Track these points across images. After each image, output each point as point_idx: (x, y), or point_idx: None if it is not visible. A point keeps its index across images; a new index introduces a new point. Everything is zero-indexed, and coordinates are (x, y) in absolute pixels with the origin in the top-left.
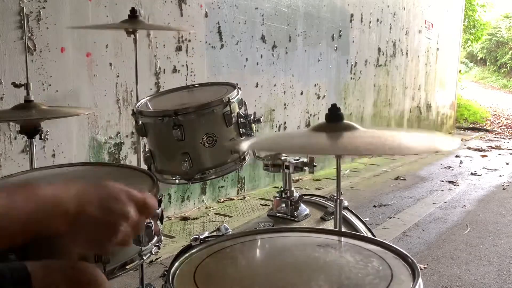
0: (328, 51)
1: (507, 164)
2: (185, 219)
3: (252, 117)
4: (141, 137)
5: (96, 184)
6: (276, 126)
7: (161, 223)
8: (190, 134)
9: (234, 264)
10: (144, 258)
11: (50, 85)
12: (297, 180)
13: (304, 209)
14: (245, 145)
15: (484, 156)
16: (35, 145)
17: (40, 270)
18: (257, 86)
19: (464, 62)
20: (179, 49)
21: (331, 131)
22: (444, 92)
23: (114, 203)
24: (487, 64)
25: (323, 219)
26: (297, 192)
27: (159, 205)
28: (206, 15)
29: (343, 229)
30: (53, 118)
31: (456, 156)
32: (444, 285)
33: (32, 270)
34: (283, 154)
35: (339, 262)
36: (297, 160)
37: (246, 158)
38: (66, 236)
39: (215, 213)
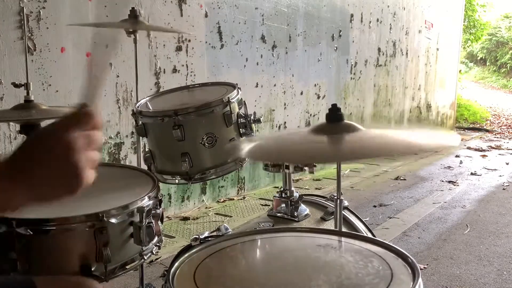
0: (328, 51)
1: (507, 164)
2: (185, 219)
3: (252, 117)
4: (141, 137)
5: (26, 140)
6: (276, 126)
7: (161, 223)
8: (190, 134)
9: (234, 264)
10: (145, 258)
11: (50, 85)
12: (297, 180)
13: (304, 209)
14: (243, 153)
15: (484, 156)
16: None
17: (46, 284)
18: (257, 86)
19: (464, 62)
20: (179, 49)
21: (332, 133)
22: (444, 92)
23: (51, 145)
24: (487, 64)
25: (323, 219)
26: (297, 192)
27: (159, 205)
28: (206, 15)
29: (343, 229)
30: (53, 118)
31: (456, 156)
32: (444, 285)
33: (38, 283)
34: None
35: (339, 262)
36: None
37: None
38: (37, 199)
39: (215, 213)
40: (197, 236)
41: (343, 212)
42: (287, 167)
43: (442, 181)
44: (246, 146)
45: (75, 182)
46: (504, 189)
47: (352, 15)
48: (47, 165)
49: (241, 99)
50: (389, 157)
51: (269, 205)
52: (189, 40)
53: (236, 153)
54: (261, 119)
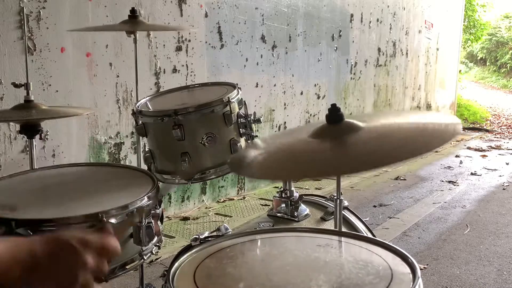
0: (328, 51)
1: (507, 164)
2: (185, 219)
3: (252, 117)
4: (141, 137)
5: (48, 237)
6: (276, 126)
7: (161, 223)
8: (190, 134)
9: (234, 264)
10: (145, 258)
11: (50, 85)
12: (297, 180)
13: (304, 209)
14: (243, 171)
15: (484, 156)
16: (35, 145)
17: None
18: (257, 86)
19: (464, 62)
20: (179, 49)
21: (333, 137)
22: (444, 92)
23: (68, 254)
24: (487, 64)
25: (323, 219)
26: (297, 192)
27: (159, 205)
28: (206, 15)
29: (343, 229)
30: (53, 118)
31: (456, 156)
32: (444, 285)
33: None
34: None
35: (339, 262)
36: None
37: None
38: None
39: (215, 213)
40: (197, 236)
41: (343, 212)
42: (290, 179)
43: (442, 181)
44: (246, 161)
45: None
46: (504, 189)
47: (352, 15)
48: (50, 267)
49: (241, 99)
50: (397, 163)
51: (269, 205)
52: (189, 40)
53: (240, 170)
54: (261, 119)
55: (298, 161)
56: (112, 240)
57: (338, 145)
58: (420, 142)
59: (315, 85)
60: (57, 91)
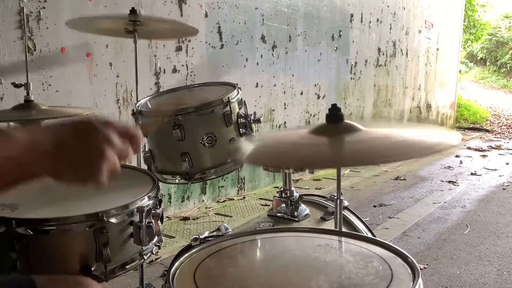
0: (328, 51)
1: (507, 164)
2: (185, 219)
3: (252, 117)
4: None
5: (72, 123)
6: (276, 126)
7: (161, 223)
8: (190, 134)
9: (234, 264)
10: (145, 257)
11: (50, 85)
12: (297, 180)
13: (304, 209)
14: (242, 157)
15: (484, 156)
16: None
17: (46, 284)
18: (257, 86)
19: (464, 62)
20: (179, 49)
21: (332, 134)
22: (444, 92)
23: (93, 132)
24: (487, 64)
25: (323, 219)
26: (297, 192)
27: (159, 205)
28: (206, 15)
29: (343, 229)
30: (53, 118)
31: (456, 156)
32: (444, 285)
33: (39, 283)
34: None
35: (339, 262)
36: None
37: None
38: (53, 174)
39: (215, 213)
40: (197, 236)
41: (343, 212)
42: (287, 167)
43: (442, 181)
44: (245, 149)
45: (92, 173)
46: (504, 189)
47: (352, 15)
48: (79, 144)
49: (241, 99)
50: (392, 162)
51: (269, 205)
52: (189, 40)
53: (236, 155)
54: (261, 119)
55: (295, 153)
56: (135, 127)
57: (337, 140)
58: (417, 149)
59: (315, 85)
60: (57, 91)
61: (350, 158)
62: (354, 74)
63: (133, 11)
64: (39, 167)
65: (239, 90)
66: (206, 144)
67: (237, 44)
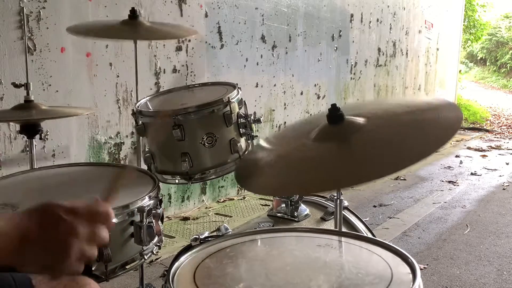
0: (328, 51)
1: (507, 164)
2: (185, 219)
3: (252, 117)
4: (141, 137)
5: (36, 208)
6: (276, 126)
7: (162, 223)
8: (190, 134)
9: (234, 264)
10: (145, 257)
11: (50, 85)
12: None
13: (304, 209)
14: (250, 186)
15: (484, 156)
16: (35, 145)
17: (43, 282)
18: (257, 86)
19: (464, 62)
20: (179, 49)
21: (337, 140)
22: (444, 92)
23: (57, 223)
24: (487, 64)
25: (323, 219)
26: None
27: (160, 205)
28: (206, 15)
29: (343, 229)
30: (53, 118)
31: (456, 156)
32: (444, 285)
33: (36, 282)
34: None
35: (339, 262)
36: None
37: None
38: (18, 265)
39: (215, 213)
40: (197, 236)
41: (343, 212)
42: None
43: (442, 181)
44: (252, 173)
45: (60, 266)
46: (504, 189)
47: (352, 15)
48: (41, 238)
49: (241, 99)
50: (403, 167)
51: (269, 205)
52: (189, 40)
53: (245, 184)
54: (261, 119)
55: (305, 175)
56: (103, 205)
57: (344, 153)
58: (424, 143)
59: (315, 85)
60: (57, 91)
61: (359, 178)
62: (354, 74)
63: (133, 11)
64: (4, 257)
65: (239, 90)
66: (206, 144)
67: (237, 44)
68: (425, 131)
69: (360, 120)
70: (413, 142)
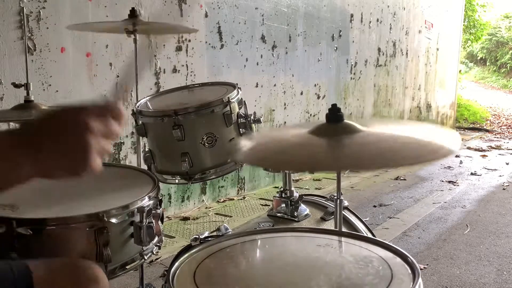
0: (328, 51)
1: (507, 164)
2: (185, 219)
3: (252, 117)
4: (141, 137)
5: (49, 114)
6: (276, 126)
7: (162, 223)
8: (190, 134)
9: (234, 264)
10: (145, 258)
11: (50, 85)
12: (297, 180)
13: (304, 209)
14: (241, 156)
15: (484, 156)
16: None
17: (42, 268)
18: (257, 86)
19: (464, 62)
20: (179, 49)
21: (332, 135)
22: (444, 92)
23: (71, 124)
24: (487, 64)
25: (323, 219)
26: (297, 192)
27: (159, 206)
28: (206, 15)
29: (343, 229)
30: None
31: (456, 156)
32: (444, 285)
33: (34, 268)
34: None
35: (339, 262)
36: None
37: None
38: (42, 174)
39: (215, 213)
40: (197, 236)
41: (343, 212)
42: (285, 169)
43: (442, 181)
44: (244, 148)
45: (81, 164)
46: (504, 189)
47: (352, 15)
48: (58, 140)
49: (241, 99)
50: (391, 167)
51: (269, 205)
52: (189, 40)
53: (235, 155)
54: (261, 119)
55: (294, 155)
56: (113, 102)
57: (336, 142)
58: (417, 154)
59: (315, 85)
60: (57, 91)
61: (348, 162)
62: (354, 74)
63: (133, 11)
64: (26, 170)
65: (239, 90)
66: (206, 144)
67: (237, 44)
68: (418, 147)
69: (359, 126)
70: (404, 152)
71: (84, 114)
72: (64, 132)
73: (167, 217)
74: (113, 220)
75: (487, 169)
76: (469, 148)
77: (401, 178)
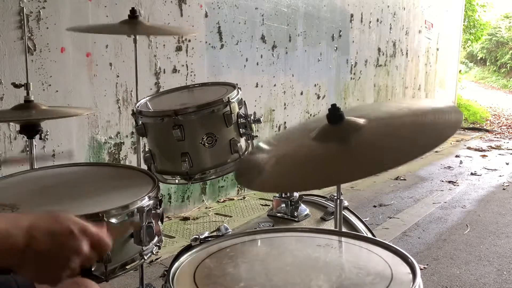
0: (328, 51)
1: (507, 164)
2: (185, 219)
3: (252, 117)
4: (141, 137)
5: (49, 216)
6: (276, 126)
7: (161, 223)
8: (190, 134)
9: (234, 264)
10: (145, 258)
11: (50, 85)
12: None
13: (304, 209)
14: (252, 184)
15: (484, 156)
16: (35, 145)
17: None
18: (257, 86)
19: (464, 62)
20: (179, 49)
21: (336, 140)
22: (444, 92)
23: (66, 237)
24: (487, 64)
25: (323, 219)
26: (297, 192)
27: (159, 206)
28: (206, 15)
29: (343, 229)
30: (53, 118)
31: (456, 156)
32: (444, 285)
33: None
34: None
35: (339, 262)
36: None
37: None
38: (15, 268)
39: (215, 213)
40: (197, 236)
41: (343, 212)
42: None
43: (442, 181)
44: (253, 173)
45: (52, 278)
46: (504, 189)
47: (352, 15)
48: (47, 248)
49: (241, 99)
50: (401, 164)
51: (269, 205)
52: (189, 40)
53: (246, 183)
54: (261, 119)
55: (305, 171)
56: (108, 238)
57: (343, 151)
58: (423, 140)
59: (315, 85)
60: (57, 91)
61: (358, 174)
62: (354, 74)
63: (133, 11)
64: (5, 259)
65: (239, 90)
66: (206, 144)
67: (237, 44)
68: (424, 131)
69: (360, 120)
70: (411, 141)
71: (84, 235)
72: (58, 243)
73: (167, 217)
74: (113, 220)
75: (487, 169)
76: (469, 148)
77: (401, 178)
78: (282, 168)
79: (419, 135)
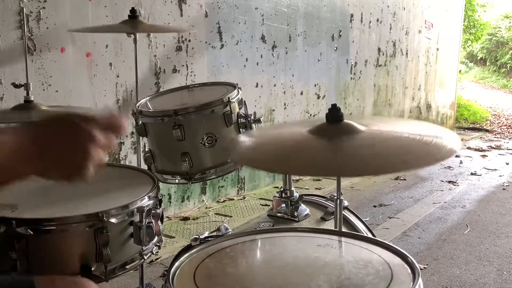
0: (328, 51)
1: (507, 164)
2: (185, 219)
3: (252, 117)
4: (141, 137)
5: (49, 120)
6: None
7: (161, 223)
8: (190, 134)
9: (234, 264)
10: (145, 257)
11: (50, 85)
12: (297, 180)
13: (304, 209)
14: (238, 156)
15: (484, 156)
16: None
17: (46, 284)
18: (257, 86)
19: (464, 62)
20: (179, 49)
21: (332, 137)
22: (444, 92)
23: (75, 131)
24: (487, 64)
25: (323, 219)
26: (297, 192)
27: (159, 205)
28: (206, 15)
29: (343, 229)
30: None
31: (456, 156)
32: (444, 285)
33: (38, 284)
34: None
35: (339, 262)
36: None
37: None
38: (39, 174)
39: (215, 213)
40: (197, 236)
41: (343, 212)
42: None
43: (442, 181)
44: (242, 147)
45: (76, 170)
46: (504, 189)
47: (352, 15)
48: (62, 143)
49: (241, 99)
50: (392, 172)
51: (269, 205)
52: (189, 40)
53: (232, 154)
54: (261, 119)
55: (293, 155)
56: (118, 116)
57: (336, 144)
58: (418, 156)
59: (315, 85)
60: (57, 91)
61: (348, 168)
62: (354, 74)
63: (133, 11)
64: (24, 169)
65: (239, 90)
66: (206, 144)
67: (237, 44)
68: (421, 149)
69: (359, 126)
70: (406, 155)
71: (92, 125)
72: (69, 137)
73: (167, 217)
74: (113, 220)
75: (487, 169)
76: (469, 148)
77: (401, 178)
78: (271, 148)
79: (414, 151)
